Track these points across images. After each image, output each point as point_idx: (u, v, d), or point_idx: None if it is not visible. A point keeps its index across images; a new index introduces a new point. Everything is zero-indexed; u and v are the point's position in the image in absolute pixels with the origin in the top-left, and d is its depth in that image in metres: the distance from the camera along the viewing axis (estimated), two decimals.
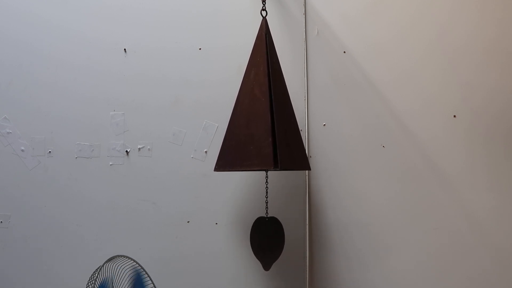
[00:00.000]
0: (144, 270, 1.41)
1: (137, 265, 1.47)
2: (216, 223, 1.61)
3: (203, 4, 1.64)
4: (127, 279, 1.36)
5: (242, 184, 1.61)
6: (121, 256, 1.49)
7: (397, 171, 1.58)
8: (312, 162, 1.60)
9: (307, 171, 1.60)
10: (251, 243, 1.48)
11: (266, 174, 1.49)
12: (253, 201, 1.60)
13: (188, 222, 1.61)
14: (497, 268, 1.53)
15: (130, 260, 1.48)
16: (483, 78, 1.56)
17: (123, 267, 1.36)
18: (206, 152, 1.62)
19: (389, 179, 1.58)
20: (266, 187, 1.49)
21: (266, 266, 1.47)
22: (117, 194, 1.61)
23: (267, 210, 1.49)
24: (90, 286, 1.34)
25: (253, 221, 1.52)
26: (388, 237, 1.57)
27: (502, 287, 1.52)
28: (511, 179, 1.53)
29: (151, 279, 1.38)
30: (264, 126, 1.31)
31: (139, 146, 1.63)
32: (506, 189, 1.53)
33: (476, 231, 1.54)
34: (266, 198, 1.49)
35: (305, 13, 1.63)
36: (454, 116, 1.56)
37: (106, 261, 1.39)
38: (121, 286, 1.36)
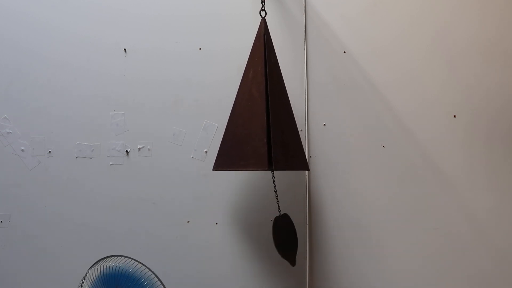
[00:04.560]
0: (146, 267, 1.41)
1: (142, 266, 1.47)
2: (216, 223, 1.61)
3: (203, 4, 1.64)
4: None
5: (242, 184, 1.61)
6: (117, 255, 1.49)
7: (397, 171, 1.58)
8: (312, 162, 1.60)
9: (307, 171, 1.60)
10: (275, 245, 1.47)
11: (272, 173, 1.49)
12: (253, 201, 1.60)
13: (188, 222, 1.61)
14: (496, 268, 1.53)
15: (129, 259, 1.48)
16: (483, 78, 1.56)
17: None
18: (206, 152, 1.62)
19: (389, 179, 1.58)
20: (274, 185, 1.49)
21: (293, 262, 1.48)
22: (117, 194, 1.61)
23: (279, 209, 1.49)
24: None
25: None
26: (388, 237, 1.57)
27: (501, 286, 1.52)
28: (510, 179, 1.53)
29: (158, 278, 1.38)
30: (260, 126, 1.31)
31: (139, 146, 1.63)
32: (505, 189, 1.53)
33: (475, 231, 1.54)
34: (276, 197, 1.49)
35: (305, 13, 1.63)
36: (454, 116, 1.57)
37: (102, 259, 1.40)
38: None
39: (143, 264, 1.37)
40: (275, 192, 1.49)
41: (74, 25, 1.64)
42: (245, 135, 1.33)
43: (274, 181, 1.50)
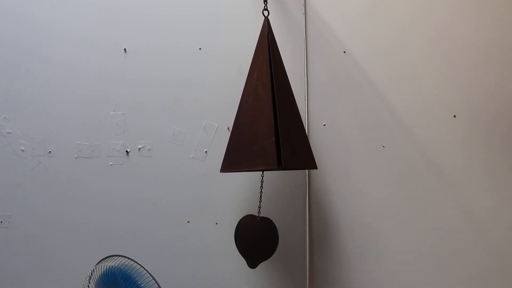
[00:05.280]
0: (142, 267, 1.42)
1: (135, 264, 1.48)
2: (216, 223, 1.61)
3: (203, 4, 1.65)
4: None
5: (243, 184, 1.61)
6: (118, 255, 1.49)
7: (397, 171, 1.58)
8: None
9: (307, 170, 1.60)
10: (235, 240, 1.46)
11: (262, 173, 1.49)
12: (253, 201, 1.60)
13: (188, 222, 1.61)
14: (496, 267, 1.53)
15: (127, 259, 1.48)
16: (483, 78, 1.56)
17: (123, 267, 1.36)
18: (206, 152, 1.62)
19: (389, 179, 1.58)
20: (261, 186, 1.48)
21: (252, 264, 1.46)
22: (117, 194, 1.61)
23: (259, 210, 1.47)
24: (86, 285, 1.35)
25: None
26: (388, 236, 1.57)
27: (500, 286, 1.52)
28: (510, 179, 1.53)
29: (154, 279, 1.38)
30: (267, 126, 1.31)
31: (139, 146, 1.63)
32: (505, 189, 1.53)
33: (475, 230, 1.54)
34: (260, 198, 1.48)
35: (305, 13, 1.64)
36: (454, 116, 1.57)
37: (102, 260, 1.40)
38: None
39: (142, 266, 1.37)
40: (261, 193, 1.48)
41: (74, 25, 1.64)
42: (252, 135, 1.32)
43: (262, 180, 1.48)
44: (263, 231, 1.47)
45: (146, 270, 1.37)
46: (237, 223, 1.47)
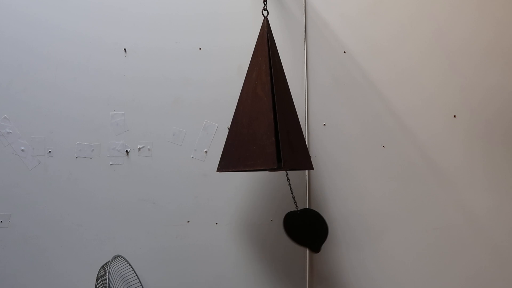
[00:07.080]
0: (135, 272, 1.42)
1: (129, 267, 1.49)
2: (216, 223, 1.61)
3: (203, 4, 1.64)
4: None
5: (242, 184, 1.61)
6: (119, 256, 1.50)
7: (397, 170, 1.58)
8: (312, 162, 1.60)
9: (307, 170, 1.60)
10: (292, 237, 1.55)
11: (286, 172, 1.53)
12: (253, 200, 1.60)
13: (188, 222, 1.61)
14: (495, 267, 1.53)
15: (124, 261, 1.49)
16: (483, 78, 1.56)
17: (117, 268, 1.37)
18: (206, 152, 1.62)
19: (389, 178, 1.58)
20: (289, 183, 1.56)
21: (316, 249, 1.57)
22: (117, 194, 1.61)
23: (296, 204, 1.56)
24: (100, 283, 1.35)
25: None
26: (388, 236, 1.58)
27: (500, 286, 1.53)
28: (509, 178, 1.54)
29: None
30: (266, 125, 1.30)
31: (139, 146, 1.63)
32: (504, 188, 1.53)
33: (474, 230, 1.54)
34: (292, 194, 1.57)
35: (305, 13, 1.64)
36: (454, 116, 1.57)
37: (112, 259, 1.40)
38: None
39: (133, 269, 1.37)
40: (290, 188, 1.55)
41: (74, 25, 1.64)
42: (251, 135, 1.32)
43: (288, 178, 1.56)
44: (309, 219, 1.57)
45: (136, 273, 1.36)
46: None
